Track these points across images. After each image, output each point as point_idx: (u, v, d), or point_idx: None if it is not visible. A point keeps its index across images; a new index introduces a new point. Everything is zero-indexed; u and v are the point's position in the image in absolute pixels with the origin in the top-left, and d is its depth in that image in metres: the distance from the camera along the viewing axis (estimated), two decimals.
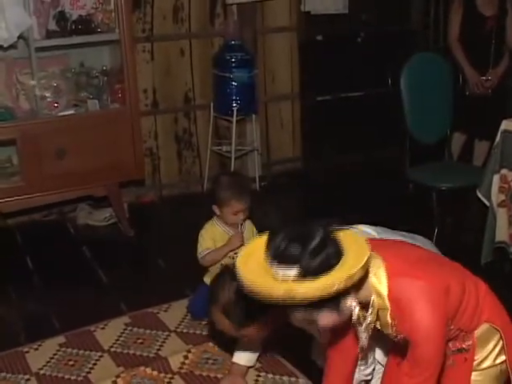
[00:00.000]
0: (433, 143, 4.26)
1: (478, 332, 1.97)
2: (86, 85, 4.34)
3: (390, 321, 1.90)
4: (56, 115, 4.16)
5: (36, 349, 3.24)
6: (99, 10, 4.20)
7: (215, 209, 3.34)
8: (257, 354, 2.92)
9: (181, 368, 3.04)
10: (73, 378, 3.01)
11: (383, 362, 2.38)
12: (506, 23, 4.54)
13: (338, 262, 1.69)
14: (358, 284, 1.78)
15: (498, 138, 3.66)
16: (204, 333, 3.33)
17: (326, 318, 1.81)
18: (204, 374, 3.01)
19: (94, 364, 3.11)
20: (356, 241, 1.79)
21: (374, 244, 1.90)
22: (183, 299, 3.60)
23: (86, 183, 4.24)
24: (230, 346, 2.97)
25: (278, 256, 1.70)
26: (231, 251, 3.32)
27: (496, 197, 3.67)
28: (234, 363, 2.89)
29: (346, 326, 1.97)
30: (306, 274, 1.67)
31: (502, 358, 2.02)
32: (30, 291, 3.80)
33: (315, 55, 5.45)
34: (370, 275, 1.87)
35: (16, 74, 4.18)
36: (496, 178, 3.67)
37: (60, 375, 3.03)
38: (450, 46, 4.64)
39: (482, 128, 4.52)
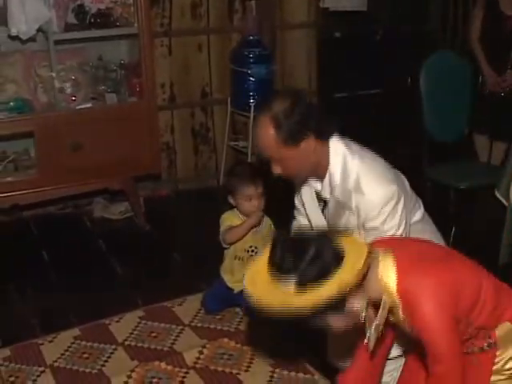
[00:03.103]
0: (451, 142, 4.22)
1: (499, 331, 1.94)
2: (104, 78, 4.35)
3: (402, 316, 1.89)
4: (74, 108, 4.16)
5: (51, 341, 3.25)
6: (118, 3, 4.20)
7: (230, 199, 3.35)
8: None
9: (196, 363, 3.04)
10: (87, 370, 3.02)
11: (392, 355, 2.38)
12: None
13: (337, 267, 1.73)
14: (363, 285, 1.80)
15: None
16: (218, 327, 3.33)
17: (336, 321, 1.83)
18: (219, 369, 3.00)
19: (109, 357, 3.11)
20: (355, 245, 1.81)
21: (390, 242, 1.94)
22: (198, 293, 3.59)
23: (102, 177, 4.24)
24: (245, 341, 2.95)
25: (277, 269, 1.77)
26: (251, 228, 3.32)
27: None
28: None
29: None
30: (304, 283, 1.72)
31: None
32: (45, 283, 3.81)
33: (333, 52, 5.41)
34: (380, 274, 1.87)
35: (34, 66, 4.19)
36: None
37: (74, 368, 3.04)
38: (470, 44, 4.59)
39: (499, 128, 4.47)
